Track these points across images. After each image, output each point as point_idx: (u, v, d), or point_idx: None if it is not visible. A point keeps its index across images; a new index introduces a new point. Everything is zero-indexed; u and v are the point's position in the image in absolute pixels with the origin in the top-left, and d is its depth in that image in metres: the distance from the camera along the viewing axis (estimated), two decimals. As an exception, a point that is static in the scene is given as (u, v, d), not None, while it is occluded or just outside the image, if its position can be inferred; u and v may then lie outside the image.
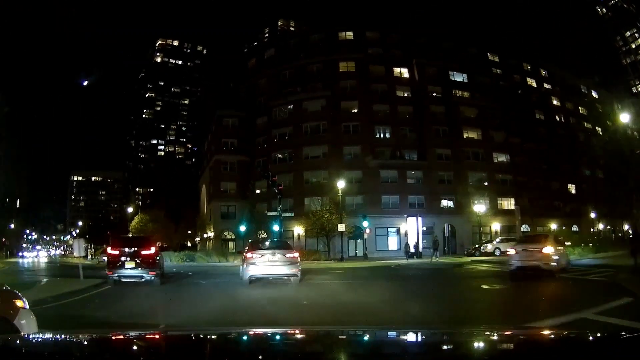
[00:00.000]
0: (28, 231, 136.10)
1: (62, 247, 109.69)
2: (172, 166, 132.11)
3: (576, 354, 2.16)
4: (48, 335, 2.96)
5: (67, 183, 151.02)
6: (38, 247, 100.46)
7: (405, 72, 59.73)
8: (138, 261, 16.05)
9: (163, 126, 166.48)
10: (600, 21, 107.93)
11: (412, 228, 48.14)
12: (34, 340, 2.74)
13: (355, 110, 57.76)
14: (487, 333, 3.17)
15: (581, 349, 2.33)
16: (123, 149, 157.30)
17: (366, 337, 3.14)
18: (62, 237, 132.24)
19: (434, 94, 59.35)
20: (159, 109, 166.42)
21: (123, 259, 16.04)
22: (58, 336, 2.86)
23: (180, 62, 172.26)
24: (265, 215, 47.20)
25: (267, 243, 18.01)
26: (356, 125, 56.81)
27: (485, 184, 56.62)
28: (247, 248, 16.86)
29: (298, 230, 53.04)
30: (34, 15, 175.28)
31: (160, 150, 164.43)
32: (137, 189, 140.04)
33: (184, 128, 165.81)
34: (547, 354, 2.28)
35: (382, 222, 52.45)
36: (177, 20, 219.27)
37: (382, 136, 57.90)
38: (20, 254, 75.18)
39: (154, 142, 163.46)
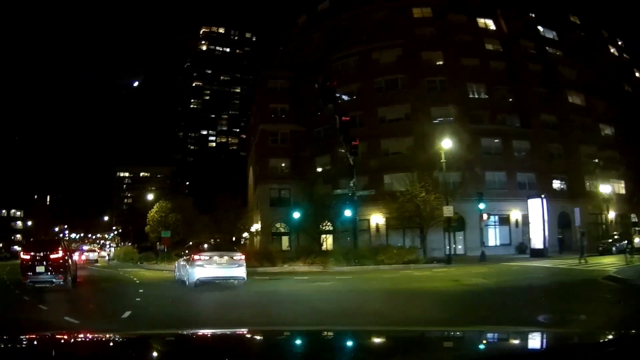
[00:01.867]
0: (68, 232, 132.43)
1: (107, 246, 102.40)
2: (224, 157, 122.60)
3: (576, 354, 2.17)
4: (48, 336, 3.02)
5: (113, 180, 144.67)
6: (85, 247, 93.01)
7: (490, 24, 47.11)
8: (47, 265, 15.93)
9: (213, 116, 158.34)
10: None
11: (535, 214, 33.68)
12: (33, 340, 2.71)
13: (440, 63, 44.44)
14: (487, 333, 3.30)
15: (581, 349, 2.33)
16: (171, 142, 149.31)
17: (366, 338, 3.15)
18: (106, 235, 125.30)
19: (528, 50, 46.63)
20: (207, 98, 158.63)
21: (34, 263, 15.97)
22: (58, 336, 2.96)
23: (228, 50, 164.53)
24: (329, 199, 34.19)
25: (212, 245, 18.75)
26: (443, 81, 43.49)
27: (596, 160, 42.50)
28: (186, 251, 17.53)
29: (376, 218, 39.92)
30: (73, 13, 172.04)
31: (212, 141, 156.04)
32: (187, 183, 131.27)
33: (236, 118, 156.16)
34: (547, 354, 2.38)
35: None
36: (221, 7, 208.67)
37: (475, 96, 44.51)
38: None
39: (204, 132, 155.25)
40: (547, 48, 47.75)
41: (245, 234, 49.97)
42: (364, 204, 33.40)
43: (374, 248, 29.27)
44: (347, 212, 26.71)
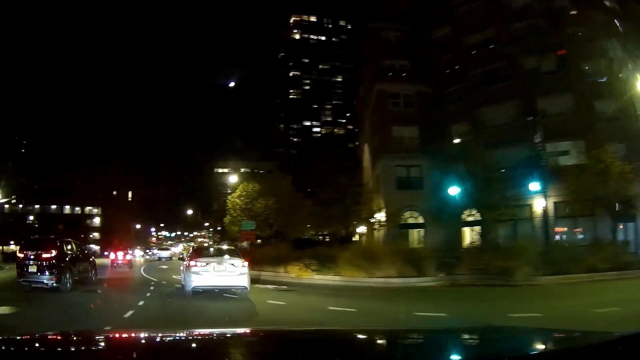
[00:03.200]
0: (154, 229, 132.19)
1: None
2: (332, 143, 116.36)
3: (576, 354, 2.17)
4: (47, 336, 2.94)
5: (211, 178, 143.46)
6: (155, 248, 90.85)
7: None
8: (39, 265, 15.06)
9: (316, 106, 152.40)
10: None
11: None
12: (33, 341, 2.68)
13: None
14: (487, 333, 3.28)
15: (581, 348, 2.32)
16: (271, 135, 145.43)
17: (366, 338, 3.14)
18: (203, 233, 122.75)
19: None
20: (307, 88, 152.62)
21: (27, 263, 15.17)
22: (57, 336, 2.91)
23: (323, 38, 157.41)
24: (488, 172, 24.90)
25: (212, 249, 17.24)
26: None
27: None
28: (189, 254, 16.27)
29: (539, 203, 29.44)
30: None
31: (316, 133, 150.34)
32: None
33: (340, 108, 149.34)
34: (547, 354, 2.36)
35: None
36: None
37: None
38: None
39: (307, 124, 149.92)
40: None
41: (360, 229, 40.58)
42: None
43: (569, 245, 20.03)
44: (534, 186, 17.27)
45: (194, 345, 2.89)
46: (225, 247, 21.56)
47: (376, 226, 34.13)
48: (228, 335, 3.27)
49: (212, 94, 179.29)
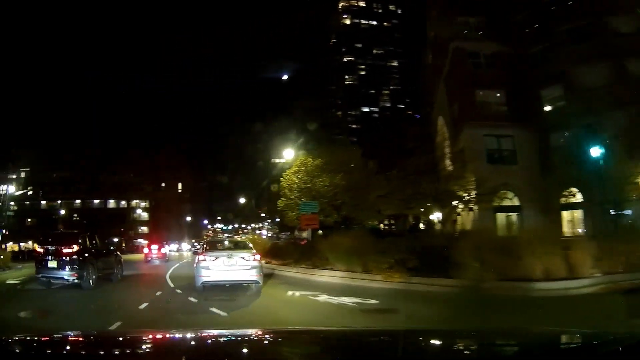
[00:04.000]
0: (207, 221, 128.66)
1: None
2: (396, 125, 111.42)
3: (576, 354, 2.22)
4: (47, 336, 2.92)
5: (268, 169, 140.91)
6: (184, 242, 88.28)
7: None
8: (59, 261, 14.64)
9: (373, 92, 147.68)
10: None
11: None
12: (33, 340, 2.70)
13: None
14: (487, 333, 3.29)
15: (581, 348, 2.37)
16: (329, 124, 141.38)
17: (366, 338, 3.19)
18: (261, 225, 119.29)
19: None
20: (363, 73, 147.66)
21: (46, 258, 14.85)
22: (57, 336, 2.89)
23: (374, 23, 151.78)
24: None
25: (226, 243, 16.77)
26: None
27: None
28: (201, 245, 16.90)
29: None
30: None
31: (375, 119, 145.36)
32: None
33: (398, 93, 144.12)
34: (547, 354, 2.32)
35: None
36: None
37: None
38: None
39: (366, 110, 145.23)
40: None
41: (434, 215, 34.83)
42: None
43: None
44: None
45: (196, 344, 2.89)
46: (238, 240, 20.53)
47: (460, 210, 29.02)
48: (229, 335, 3.29)
49: (267, 87, 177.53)
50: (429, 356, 2.58)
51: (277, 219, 65.92)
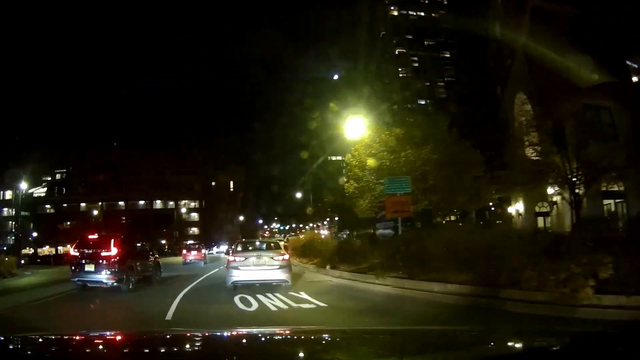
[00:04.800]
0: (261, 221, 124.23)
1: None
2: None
3: (576, 354, 2.14)
4: (47, 335, 3.02)
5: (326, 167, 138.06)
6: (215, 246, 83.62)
7: None
8: (97, 264, 14.69)
9: (428, 84, 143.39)
10: None
11: None
12: (33, 340, 2.72)
13: None
14: (487, 333, 3.25)
15: (581, 348, 2.28)
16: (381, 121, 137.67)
17: (366, 337, 3.18)
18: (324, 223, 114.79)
19: None
20: (416, 65, 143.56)
21: (83, 261, 14.91)
22: (57, 336, 3.02)
23: (422, 14, 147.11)
24: None
25: (257, 243, 17.10)
26: None
27: None
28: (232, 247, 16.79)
29: None
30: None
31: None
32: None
33: (452, 85, 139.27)
34: (547, 354, 2.27)
35: None
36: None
37: None
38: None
39: (422, 103, 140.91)
40: None
41: (515, 207, 30.14)
42: None
43: None
44: None
45: (198, 345, 2.89)
46: (269, 241, 19.67)
47: (557, 199, 24.62)
48: (232, 335, 3.29)
49: (321, 87, 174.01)
50: (429, 356, 2.52)
51: (336, 218, 62.18)
